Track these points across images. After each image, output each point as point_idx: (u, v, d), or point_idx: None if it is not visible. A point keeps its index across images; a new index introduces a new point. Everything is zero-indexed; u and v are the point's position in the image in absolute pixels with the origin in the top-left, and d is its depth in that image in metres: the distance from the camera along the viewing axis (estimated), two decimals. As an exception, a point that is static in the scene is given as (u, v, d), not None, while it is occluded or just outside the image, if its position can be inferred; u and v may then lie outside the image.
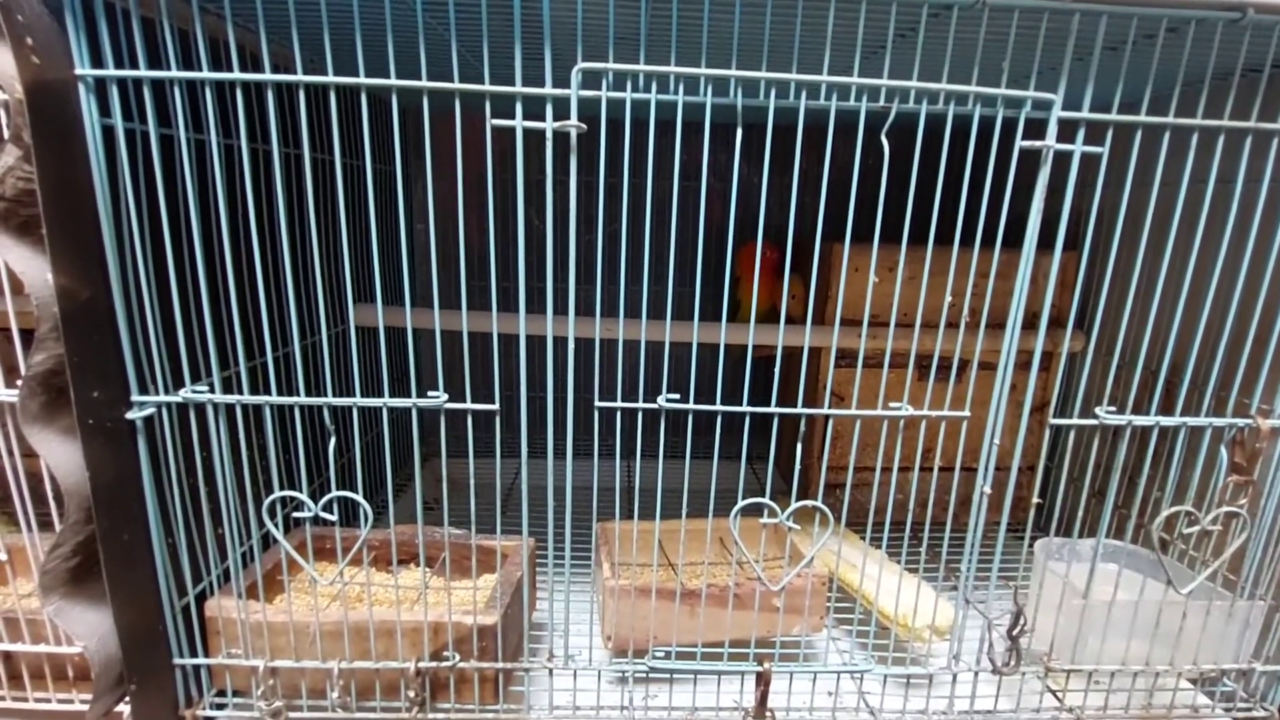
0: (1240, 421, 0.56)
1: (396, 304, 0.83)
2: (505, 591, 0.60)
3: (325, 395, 0.52)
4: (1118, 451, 0.55)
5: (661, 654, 0.62)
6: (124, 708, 0.53)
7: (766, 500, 0.54)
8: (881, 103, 0.49)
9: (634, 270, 1.03)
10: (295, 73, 0.46)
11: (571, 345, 0.51)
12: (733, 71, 0.48)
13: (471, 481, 0.52)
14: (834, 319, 0.84)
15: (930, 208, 0.51)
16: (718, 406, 0.53)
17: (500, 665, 0.57)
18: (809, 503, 0.54)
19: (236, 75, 0.46)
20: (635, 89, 0.49)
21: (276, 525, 0.53)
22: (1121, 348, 0.58)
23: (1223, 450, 0.56)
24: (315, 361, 0.58)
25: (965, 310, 0.57)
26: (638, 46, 0.49)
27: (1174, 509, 0.56)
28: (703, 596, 0.61)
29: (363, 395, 0.52)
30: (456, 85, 0.47)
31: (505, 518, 0.57)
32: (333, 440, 0.51)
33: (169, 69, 0.46)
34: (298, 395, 0.52)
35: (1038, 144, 0.49)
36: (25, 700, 0.56)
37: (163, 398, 0.51)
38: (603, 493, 0.58)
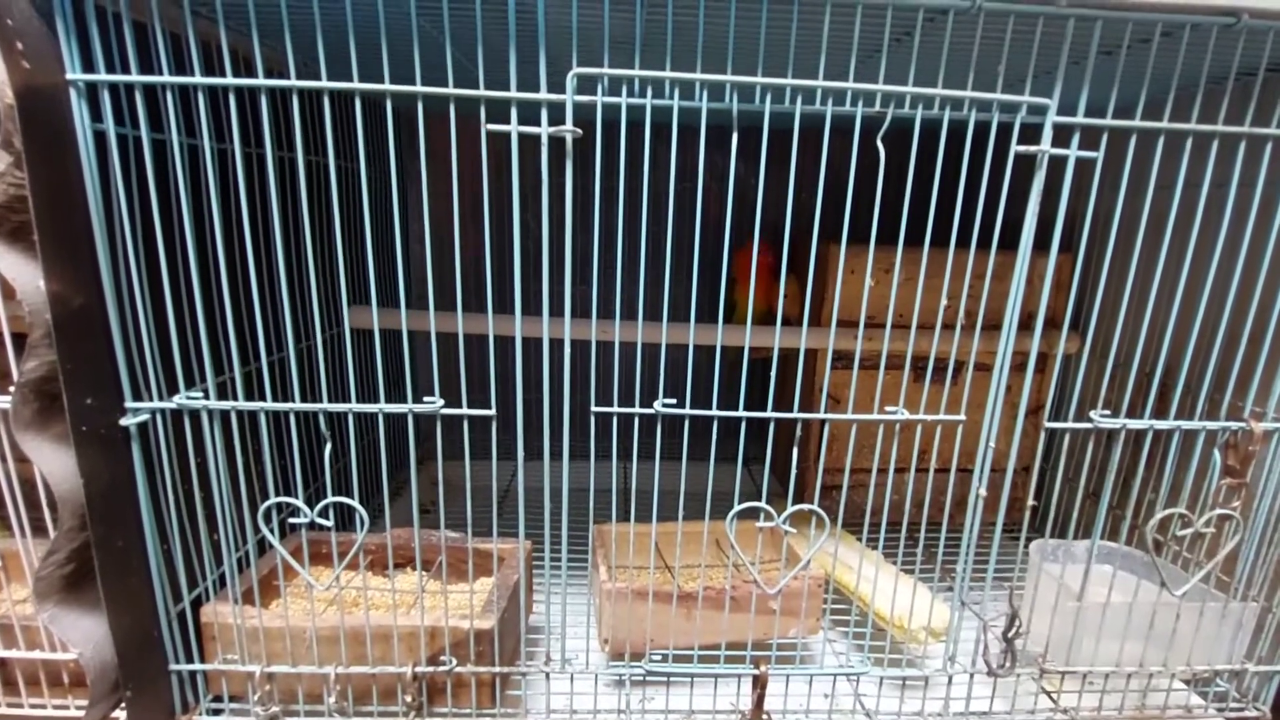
0: (1233, 425, 0.56)
1: (391, 307, 0.83)
2: (502, 595, 0.60)
3: (320, 400, 0.52)
4: (1112, 454, 0.55)
5: (658, 657, 0.62)
6: (120, 714, 0.53)
7: (763, 505, 0.54)
8: (877, 107, 0.49)
9: (630, 273, 1.03)
10: (289, 77, 0.46)
11: (568, 347, 0.51)
12: (728, 76, 0.48)
13: (468, 484, 0.52)
14: (830, 321, 0.85)
15: (926, 210, 0.51)
16: (714, 411, 0.53)
17: (497, 669, 0.57)
18: (805, 506, 0.54)
19: (229, 80, 0.46)
20: (631, 94, 0.48)
21: (272, 530, 0.53)
22: (1116, 350, 0.58)
23: (1216, 453, 0.56)
24: (310, 366, 0.58)
25: (961, 312, 0.57)
26: (633, 51, 0.49)
27: (1168, 511, 0.56)
28: (699, 599, 0.62)
29: (358, 399, 0.52)
30: (451, 90, 0.46)
31: (501, 521, 0.57)
32: (328, 446, 0.51)
33: (161, 73, 0.46)
34: (293, 400, 0.52)
35: (1033, 149, 0.49)
36: (21, 707, 0.56)
37: (157, 404, 0.51)
38: (599, 495, 0.58)
